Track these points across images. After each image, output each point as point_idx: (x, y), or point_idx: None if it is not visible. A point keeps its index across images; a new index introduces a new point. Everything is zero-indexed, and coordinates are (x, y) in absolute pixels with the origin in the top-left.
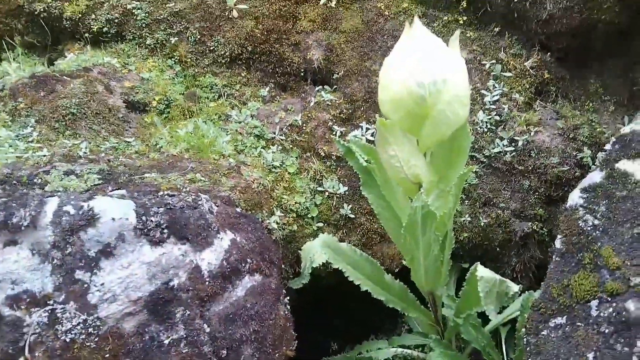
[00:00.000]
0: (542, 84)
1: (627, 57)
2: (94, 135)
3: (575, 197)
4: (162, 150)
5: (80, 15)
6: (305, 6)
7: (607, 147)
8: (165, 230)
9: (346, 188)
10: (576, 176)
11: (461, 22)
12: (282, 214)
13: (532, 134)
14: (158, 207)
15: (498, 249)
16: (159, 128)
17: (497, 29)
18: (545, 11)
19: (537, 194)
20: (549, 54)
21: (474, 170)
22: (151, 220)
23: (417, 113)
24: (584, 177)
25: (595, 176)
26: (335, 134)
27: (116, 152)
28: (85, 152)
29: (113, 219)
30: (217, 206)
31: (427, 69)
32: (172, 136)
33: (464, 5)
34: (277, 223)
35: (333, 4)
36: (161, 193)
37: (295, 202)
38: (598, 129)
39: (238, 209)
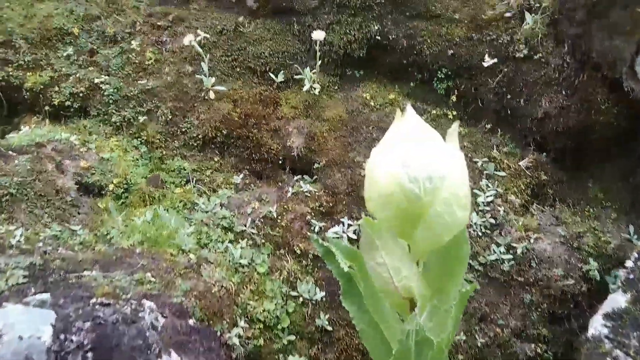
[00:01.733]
0: (538, 185)
1: (627, 160)
2: (33, 221)
3: (597, 325)
4: (112, 241)
5: (42, 87)
6: (287, 92)
7: (629, 264)
8: (89, 355)
9: (323, 294)
10: (582, 291)
11: (450, 116)
12: (247, 325)
13: (531, 240)
14: (84, 321)
15: None
16: (112, 215)
17: (488, 126)
18: (540, 109)
19: (539, 310)
20: (544, 154)
21: (476, 288)
22: (71, 340)
23: (409, 213)
24: (591, 292)
25: (619, 299)
26: (314, 229)
27: (57, 241)
28: (18, 241)
29: (20, 337)
30: (165, 317)
31: (422, 162)
32: (127, 225)
33: (454, 100)
34: (240, 337)
35: (317, 91)
36: (93, 301)
37: (264, 310)
38: (603, 238)
39: (191, 321)
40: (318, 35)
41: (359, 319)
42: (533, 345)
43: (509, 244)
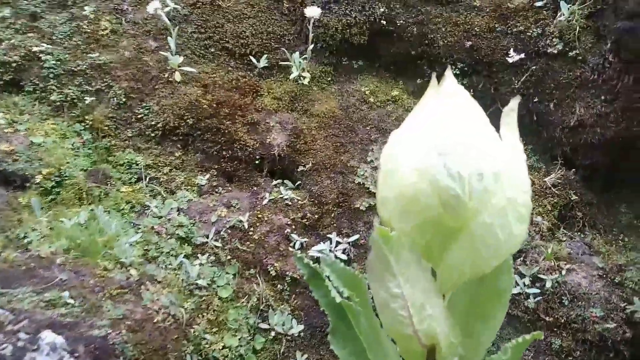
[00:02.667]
0: (566, 207)
1: None
2: None
3: None
4: (29, 247)
5: None
6: (271, 80)
7: None
8: None
9: (302, 327)
10: (626, 337)
11: None
12: None
13: (563, 272)
14: None
15: None
16: (35, 214)
17: None
18: (573, 117)
19: (570, 358)
20: (572, 170)
21: (541, 337)
22: None
23: (444, 224)
24: (634, 339)
25: None
26: (294, 246)
27: None
28: None
29: None
30: (76, 358)
31: (468, 152)
32: (53, 228)
33: None
34: None
35: (306, 81)
36: None
37: (224, 347)
38: None
39: None
40: (312, 12)
41: None
42: None
43: (536, 275)
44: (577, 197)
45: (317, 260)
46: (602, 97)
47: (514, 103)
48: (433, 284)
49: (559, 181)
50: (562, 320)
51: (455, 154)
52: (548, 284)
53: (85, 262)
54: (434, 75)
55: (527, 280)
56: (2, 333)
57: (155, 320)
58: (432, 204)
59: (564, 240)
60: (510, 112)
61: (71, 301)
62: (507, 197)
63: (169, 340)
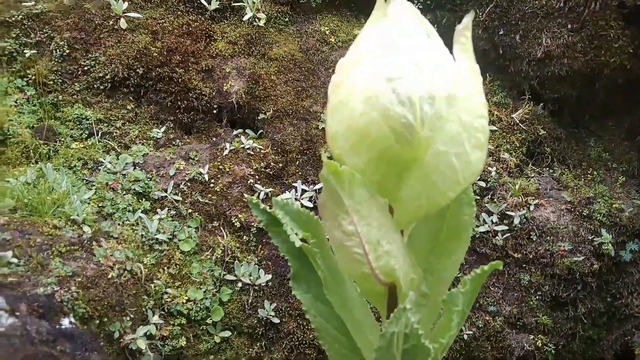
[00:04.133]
0: (534, 143)
1: (634, 116)
2: None
3: None
4: None
5: None
6: (224, 23)
7: None
8: None
9: (269, 277)
10: (593, 270)
11: None
12: (162, 321)
13: (531, 208)
14: None
15: None
16: None
17: None
18: (540, 48)
19: (539, 293)
20: (541, 104)
21: (500, 267)
22: None
23: (396, 155)
24: (602, 271)
25: None
26: (258, 196)
27: None
28: None
29: None
30: (15, 317)
31: (418, 75)
32: None
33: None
34: (151, 337)
35: (261, 22)
36: None
37: (188, 300)
38: (615, 205)
39: (66, 321)
40: None
41: (315, 313)
42: (531, 337)
43: (504, 212)
44: (545, 132)
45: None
46: (569, 26)
47: (467, 20)
48: (390, 219)
49: (527, 117)
50: (531, 256)
51: (405, 78)
52: (516, 221)
53: (33, 221)
54: None
55: (495, 218)
56: None
57: (109, 276)
58: (383, 135)
59: (532, 176)
60: (464, 31)
61: (15, 260)
62: (462, 122)
63: (127, 296)
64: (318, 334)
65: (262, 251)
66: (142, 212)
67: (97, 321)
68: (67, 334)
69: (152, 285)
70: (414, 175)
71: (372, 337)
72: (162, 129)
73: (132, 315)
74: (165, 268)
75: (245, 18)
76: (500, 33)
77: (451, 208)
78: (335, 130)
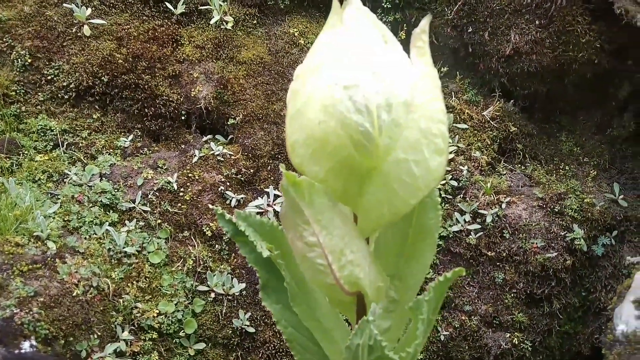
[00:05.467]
0: (506, 140)
1: (603, 110)
2: None
3: (629, 318)
4: None
5: None
6: (192, 27)
7: None
8: None
9: (243, 285)
10: (566, 266)
11: None
12: (132, 337)
13: (503, 206)
14: None
15: None
16: None
17: (445, 69)
18: (508, 45)
19: (514, 291)
20: (512, 101)
21: (460, 274)
22: None
23: (355, 164)
24: (575, 266)
25: None
26: (229, 203)
27: None
28: None
29: None
30: None
31: (375, 81)
32: None
33: (403, 37)
34: (120, 355)
35: (229, 25)
36: None
37: (159, 313)
38: (586, 200)
39: (26, 344)
40: None
41: (286, 323)
42: (508, 335)
43: (476, 210)
44: (516, 129)
45: None
46: (537, 22)
47: (424, 23)
48: (353, 228)
49: (498, 114)
50: (504, 254)
51: (361, 86)
52: (488, 219)
53: None
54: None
55: (467, 217)
56: None
57: (74, 294)
58: (342, 144)
59: (504, 174)
60: (421, 34)
61: None
62: (421, 129)
63: (93, 313)
64: (290, 344)
65: (235, 260)
66: (109, 224)
67: (62, 341)
68: (28, 358)
69: (121, 300)
70: (374, 183)
71: (340, 347)
72: (130, 138)
73: (99, 333)
74: (135, 282)
75: (213, 21)
76: (469, 31)
77: (417, 212)
78: (295, 139)
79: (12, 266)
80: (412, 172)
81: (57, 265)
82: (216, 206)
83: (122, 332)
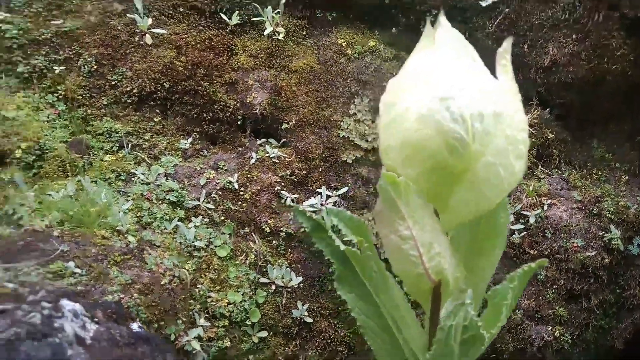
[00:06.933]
0: (543, 146)
1: (633, 119)
2: None
3: None
4: (21, 222)
5: None
6: (245, 37)
7: None
8: None
9: (300, 279)
10: (604, 264)
11: None
12: (208, 324)
13: (545, 207)
14: None
15: None
16: (20, 189)
17: None
18: (547, 57)
19: (555, 287)
20: (547, 110)
21: (545, 264)
22: None
23: (448, 167)
24: (612, 265)
25: None
26: (285, 202)
27: None
28: None
29: None
30: (96, 323)
31: (469, 95)
32: (41, 202)
33: None
34: (201, 339)
35: (281, 36)
36: None
37: (228, 303)
38: (621, 203)
39: (135, 325)
40: None
41: (359, 310)
42: (549, 328)
43: (519, 212)
44: (553, 136)
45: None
46: (574, 36)
47: (507, 44)
48: (438, 223)
49: (536, 121)
50: (546, 253)
51: (457, 98)
52: (532, 220)
53: (82, 232)
54: (428, 21)
55: (511, 218)
56: (26, 304)
57: (162, 283)
58: (437, 149)
59: (543, 178)
60: (504, 54)
61: (78, 270)
62: (507, 136)
63: (178, 301)
64: (362, 330)
65: (291, 255)
66: (178, 220)
67: (156, 325)
68: (142, 337)
69: (197, 289)
70: (463, 184)
71: (415, 331)
72: (189, 140)
73: (183, 319)
74: (206, 273)
75: (266, 32)
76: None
77: (487, 212)
78: (388, 144)
79: (106, 256)
80: (499, 174)
81: (144, 256)
82: (276, 204)
83: (200, 319)
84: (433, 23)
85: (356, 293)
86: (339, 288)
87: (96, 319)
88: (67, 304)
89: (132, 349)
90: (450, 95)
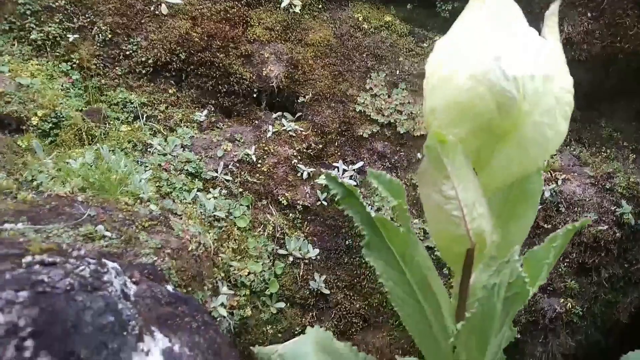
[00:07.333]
0: None
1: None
2: None
3: None
4: (41, 188)
5: None
6: (260, 10)
7: None
8: (28, 343)
9: (317, 251)
10: (616, 238)
11: None
12: (231, 292)
13: (559, 182)
14: (18, 291)
15: (520, 336)
16: (39, 156)
17: None
18: (562, 35)
19: (567, 260)
20: None
21: (589, 223)
22: None
23: (495, 126)
24: (622, 239)
25: None
26: (301, 176)
27: None
28: None
29: None
30: (136, 283)
31: (522, 56)
32: (60, 169)
33: None
34: (224, 306)
35: (297, 9)
36: (29, 259)
37: (249, 272)
38: (631, 179)
39: (169, 287)
40: None
41: (387, 277)
42: (562, 300)
43: None
44: None
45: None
46: (589, 14)
47: (555, 7)
48: (479, 185)
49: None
50: (560, 226)
51: (509, 58)
52: (547, 194)
53: (106, 199)
54: None
55: None
56: (73, 258)
57: (189, 249)
58: (487, 108)
59: (555, 154)
60: (551, 16)
61: (108, 234)
62: (555, 96)
63: (204, 267)
64: (390, 296)
65: (307, 228)
66: (197, 191)
67: (184, 290)
68: (180, 297)
69: (220, 258)
70: (509, 144)
71: (442, 297)
72: (204, 113)
73: (209, 286)
74: (227, 243)
75: (282, 5)
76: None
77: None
78: (435, 104)
79: (133, 222)
80: (545, 134)
81: (170, 222)
82: (293, 177)
83: (223, 287)
84: None
85: (384, 260)
86: (368, 254)
87: (134, 279)
88: (108, 263)
89: (173, 307)
90: (504, 54)
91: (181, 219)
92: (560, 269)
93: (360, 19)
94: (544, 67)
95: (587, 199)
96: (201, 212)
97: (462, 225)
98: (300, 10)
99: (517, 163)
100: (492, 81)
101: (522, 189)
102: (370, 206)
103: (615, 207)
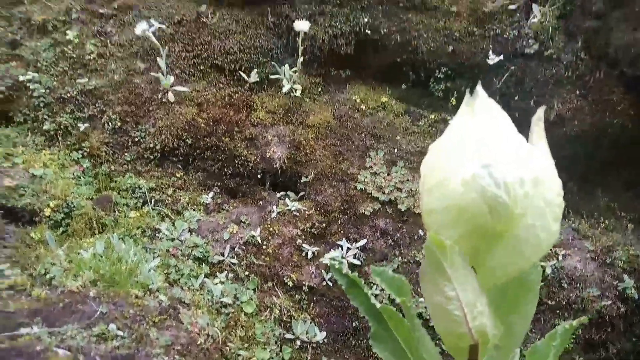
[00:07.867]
0: None
1: (632, 169)
2: None
3: None
4: (54, 282)
5: None
6: (263, 94)
7: None
8: None
9: (324, 334)
10: (620, 313)
11: (450, 120)
12: None
13: (560, 257)
14: None
15: None
16: (51, 248)
17: None
18: (552, 112)
19: (574, 337)
20: (554, 162)
21: (586, 322)
22: None
23: (489, 229)
24: (627, 314)
25: None
26: (306, 255)
27: None
28: None
29: None
30: None
31: (509, 162)
32: (72, 261)
33: (454, 103)
34: None
35: (298, 93)
36: None
37: None
38: (631, 252)
39: None
40: (301, 25)
41: None
42: None
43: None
44: None
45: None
46: (577, 92)
47: (541, 112)
48: (477, 283)
49: None
50: (564, 303)
51: (499, 164)
52: (548, 270)
53: (116, 292)
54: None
55: None
56: None
57: (198, 342)
58: (480, 212)
59: None
60: (538, 121)
61: (120, 333)
62: (545, 199)
63: None
64: None
65: (313, 309)
66: (204, 276)
67: None
68: None
69: (227, 347)
70: (503, 245)
71: None
72: (211, 195)
73: None
74: (235, 330)
75: (284, 90)
76: (516, 99)
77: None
78: (432, 207)
79: (144, 317)
80: (537, 235)
81: (179, 315)
82: (297, 258)
83: None
84: (471, 92)
85: (390, 351)
86: (375, 345)
87: None
88: None
89: None
90: (492, 162)
91: (190, 309)
92: (567, 346)
93: (358, 101)
94: (533, 172)
95: (588, 274)
96: (209, 299)
97: (464, 324)
98: (300, 94)
99: (512, 262)
100: (483, 187)
101: (520, 281)
102: (376, 285)
103: (617, 281)
